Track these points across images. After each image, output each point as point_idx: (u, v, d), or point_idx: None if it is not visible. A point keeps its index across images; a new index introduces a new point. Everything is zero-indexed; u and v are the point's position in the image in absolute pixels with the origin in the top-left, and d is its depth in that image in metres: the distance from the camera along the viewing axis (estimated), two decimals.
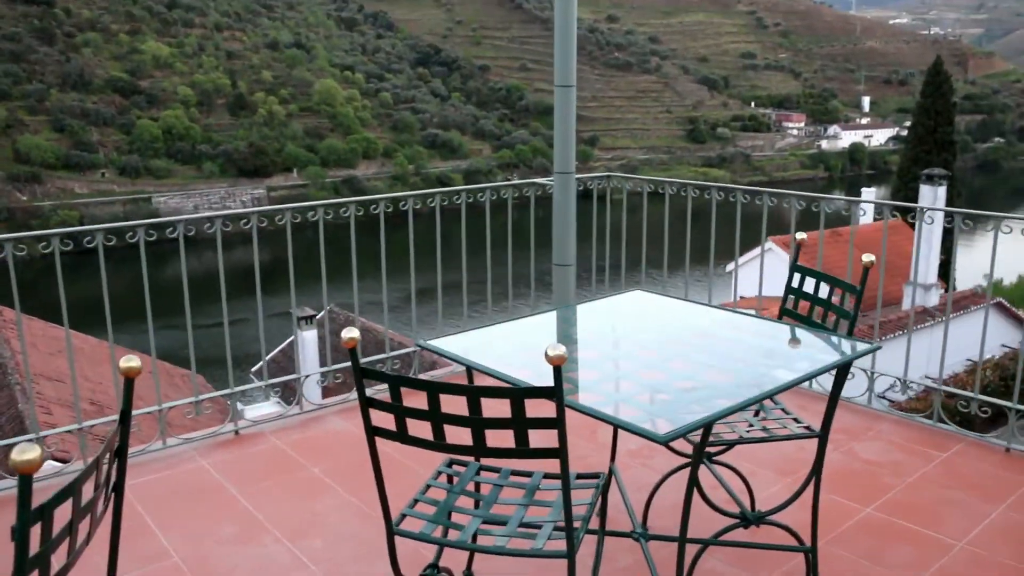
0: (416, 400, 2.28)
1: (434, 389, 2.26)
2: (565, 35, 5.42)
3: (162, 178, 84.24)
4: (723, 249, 5.64)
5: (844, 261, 5.47)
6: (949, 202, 21.77)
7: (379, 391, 2.54)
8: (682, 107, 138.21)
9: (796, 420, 3.32)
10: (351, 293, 5.32)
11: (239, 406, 5.13)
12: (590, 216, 6.21)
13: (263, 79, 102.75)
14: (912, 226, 5.24)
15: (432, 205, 5.47)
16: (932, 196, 19.56)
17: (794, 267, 3.71)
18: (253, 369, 23.26)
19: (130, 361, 1.95)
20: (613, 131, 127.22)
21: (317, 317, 19.86)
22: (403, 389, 2.32)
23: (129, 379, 1.98)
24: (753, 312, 3.78)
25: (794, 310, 3.67)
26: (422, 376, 5.06)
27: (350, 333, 2.32)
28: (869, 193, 35.67)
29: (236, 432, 4.89)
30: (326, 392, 5.85)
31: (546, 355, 2.10)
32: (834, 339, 3.19)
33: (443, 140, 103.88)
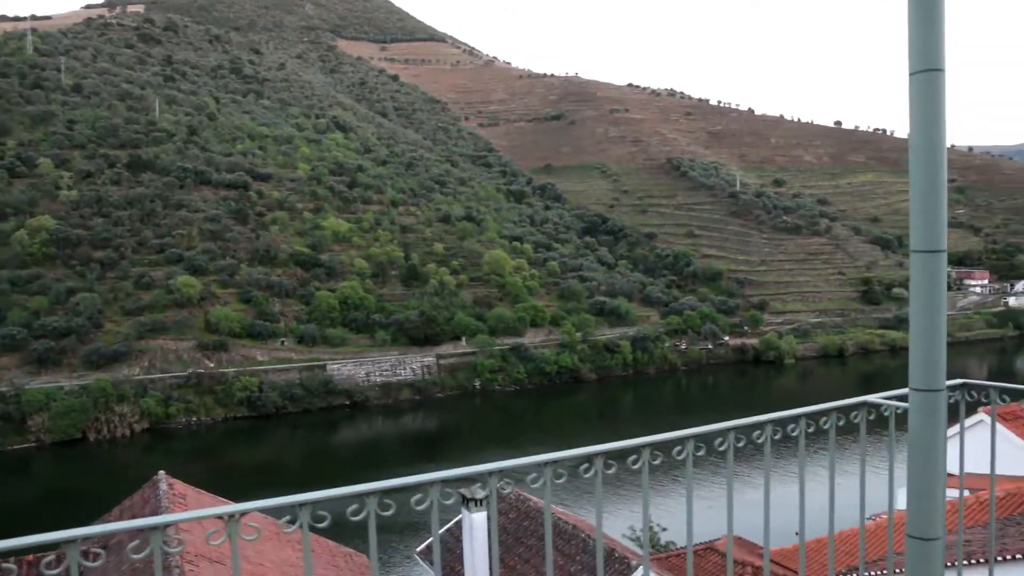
0: None
1: None
2: (932, 190, 3.61)
3: (337, 346, 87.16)
4: None
5: None
6: None
7: None
8: (854, 268, 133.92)
9: None
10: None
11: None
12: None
13: (435, 251, 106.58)
14: None
15: (722, 448, 3.96)
16: None
17: None
18: (418, 550, 22.07)
19: None
20: (783, 295, 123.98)
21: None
22: None
23: None
24: None
25: None
26: None
27: None
28: None
29: None
30: None
31: None
32: None
33: (610, 307, 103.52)
